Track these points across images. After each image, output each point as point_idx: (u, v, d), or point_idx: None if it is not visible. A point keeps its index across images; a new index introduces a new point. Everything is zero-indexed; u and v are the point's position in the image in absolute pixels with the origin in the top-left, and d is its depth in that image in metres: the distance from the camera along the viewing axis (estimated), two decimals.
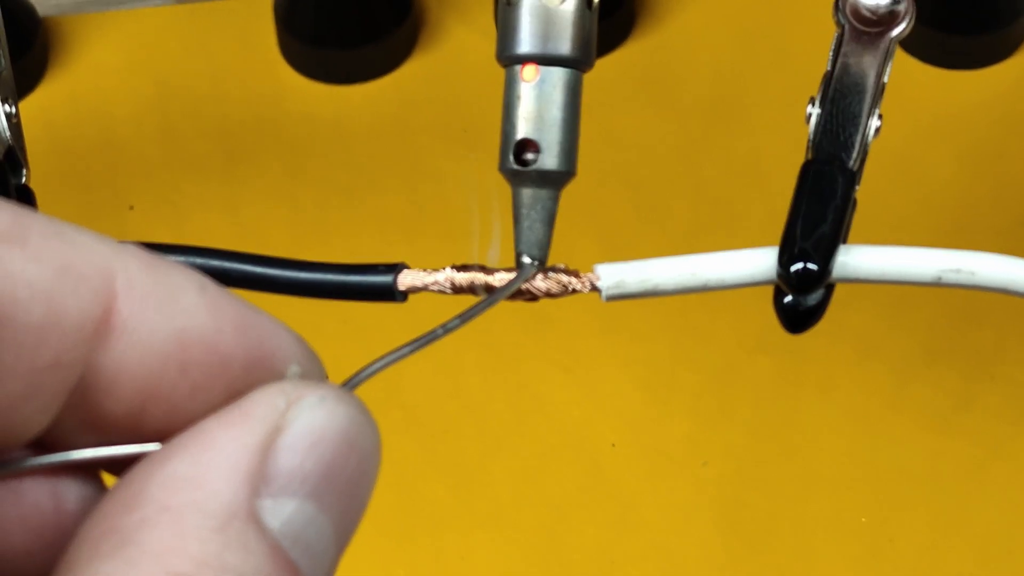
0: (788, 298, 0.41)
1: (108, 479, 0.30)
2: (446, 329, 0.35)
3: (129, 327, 0.28)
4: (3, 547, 0.29)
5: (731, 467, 0.70)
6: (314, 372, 0.30)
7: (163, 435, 0.28)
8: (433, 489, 0.70)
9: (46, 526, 0.29)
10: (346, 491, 0.28)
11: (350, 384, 0.31)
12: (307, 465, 0.28)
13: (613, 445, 0.71)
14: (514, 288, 0.38)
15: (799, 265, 0.39)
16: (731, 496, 0.69)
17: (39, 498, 0.29)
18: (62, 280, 0.27)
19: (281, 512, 0.27)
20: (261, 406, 0.28)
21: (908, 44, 0.78)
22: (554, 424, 0.71)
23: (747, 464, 0.70)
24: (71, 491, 0.29)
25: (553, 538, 0.69)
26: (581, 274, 0.39)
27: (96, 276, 0.27)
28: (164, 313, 0.28)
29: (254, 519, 0.27)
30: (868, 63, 0.42)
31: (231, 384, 0.28)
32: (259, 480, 0.27)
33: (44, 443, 0.29)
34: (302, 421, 0.28)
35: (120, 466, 0.29)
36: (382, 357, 0.32)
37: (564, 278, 0.39)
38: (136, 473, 0.27)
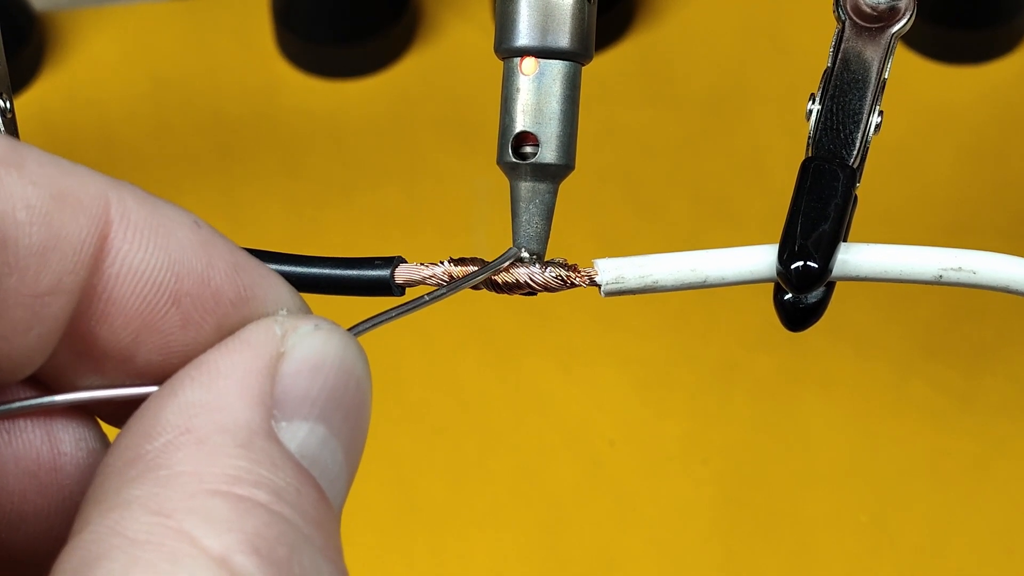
0: (788, 296, 0.40)
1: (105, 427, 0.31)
2: (433, 296, 0.35)
3: (124, 254, 0.28)
4: None
5: (730, 465, 0.69)
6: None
7: (156, 375, 0.29)
8: (431, 486, 0.70)
9: (42, 468, 0.29)
10: (350, 415, 0.29)
11: None
12: (313, 389, 0.28)
13: (612, 443, 0.71)
14: (505, 262, 0.38)
15: (799, 263, 0.39)
16: (730, 494, 0.69)
17: (34, 440, 0.30)
18: (59, 204, 0.28)
19: (296, 434, 0.28)
20: (259, 334, 0.29)
21: (908, 39, 0.78)
22: (553, 422, 0.71)
23: (746, 462, 0.70)
24: (67, 434, 0.30)
25: (552, 536, 0.68)
26: (580, 268, 0.39)
27: (92, 203, 0.28)
28: (158, 243, 0.29)
29: (274, 438, 0.28)
30: (869, 59, 0.42)
31: (221, 320, 0.29)
32: (270, 403, 0.28)
33: (40, 382, 0.30)
34: (302, 347, 0.29)
35: (114, 411, 0.30)
36: (364, 320, 0.32)
37: (563, 272, 0.39)
38: (147, 408, 0.28)
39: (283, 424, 0.28)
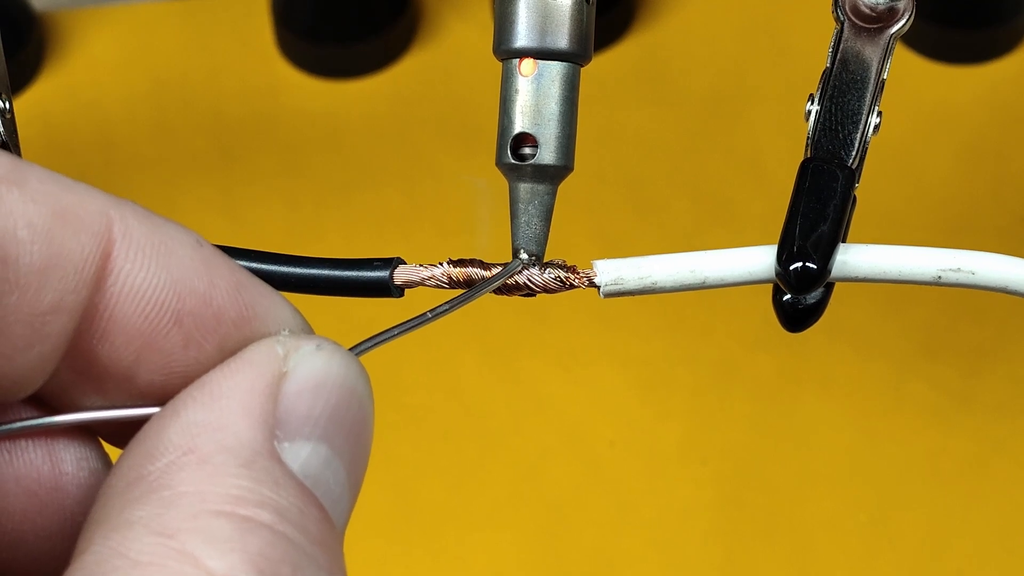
0: (787, 296, 0.40)
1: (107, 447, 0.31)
2: (435, 313, 0.35)
3: (126, 274, 0.28)
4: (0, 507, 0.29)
5: (730, 466, 0.69)
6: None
7: (158, 395, 0.29)
8: (431, 488, 0.70)
9: (42, 487, 0.30)
10: (352, 435, 0.29)
11: None
12: (316, 409, 0.28)
13: (612, 443, 0.71)
14: (508, 275, 0.38)
15: (798, 264, 0.38)
16: (730, 495, 0.69)
17: (35, 459, 0.29)
18: (61, 222, 0.28)
19: (299, 454, 0.28)
20: (261, 354, 0.29)
21: (908, 39, 0.78)
22: (553, 423, 0.71)
23: (746, 462, 0.70)
24: (68, 453, 0.30)
25: (552, 537, 0.68)
26: (579, 270, 0.39)
27: (94, 221, 0.28)
28: (160, 263, 0.29)
29: (277, 458, 0.28)
30: (868, 60, 0.42)
31: (223, 340, 0.29)
32: (273, 423, 0.28)
33: (41, 401, 0.29)
34: (304, 367, 0.29)
35: (116, 431, 0.30)
36: (366, 339, 0.32)
37: (562, 273, 0.39)
38: (149, 428, 0.28)
39: (286, 444, 0.28)
